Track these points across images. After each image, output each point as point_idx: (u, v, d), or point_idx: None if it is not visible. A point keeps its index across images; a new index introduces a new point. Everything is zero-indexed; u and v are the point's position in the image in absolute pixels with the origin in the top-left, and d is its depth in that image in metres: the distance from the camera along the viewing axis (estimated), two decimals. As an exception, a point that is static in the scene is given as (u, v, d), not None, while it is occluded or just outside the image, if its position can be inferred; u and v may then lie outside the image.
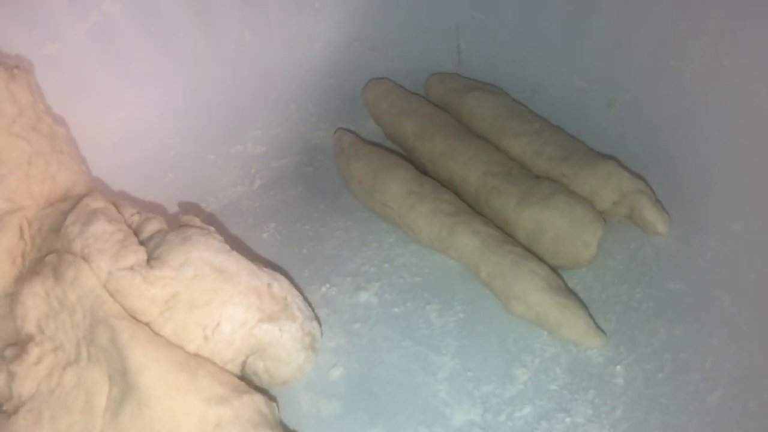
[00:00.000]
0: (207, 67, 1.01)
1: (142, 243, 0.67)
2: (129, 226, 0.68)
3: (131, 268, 0.62)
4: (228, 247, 0.70)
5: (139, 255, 0.64)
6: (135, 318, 0.62)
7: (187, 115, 1.00)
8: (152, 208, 0.88)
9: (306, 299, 0.76)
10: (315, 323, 0.74)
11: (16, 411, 0.60)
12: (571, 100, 0.95)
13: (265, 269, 0.72)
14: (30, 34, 0.86)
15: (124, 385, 0.59)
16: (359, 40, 1.07)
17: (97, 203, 0.67)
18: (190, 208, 0.91)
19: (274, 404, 0.66)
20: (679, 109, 0.83)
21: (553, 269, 0.78)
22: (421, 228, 0.83)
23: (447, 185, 0.87)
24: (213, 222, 0.85)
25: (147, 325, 0.62)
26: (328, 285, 0.82)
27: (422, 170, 0.89)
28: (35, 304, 0.61)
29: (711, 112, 0.79)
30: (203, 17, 0.99)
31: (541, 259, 0.79)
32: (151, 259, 0.65)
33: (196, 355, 0.64)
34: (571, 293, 0.76)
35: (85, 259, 0.62)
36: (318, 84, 1.06)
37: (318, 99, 1.06)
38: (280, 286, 0.71)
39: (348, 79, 1.05)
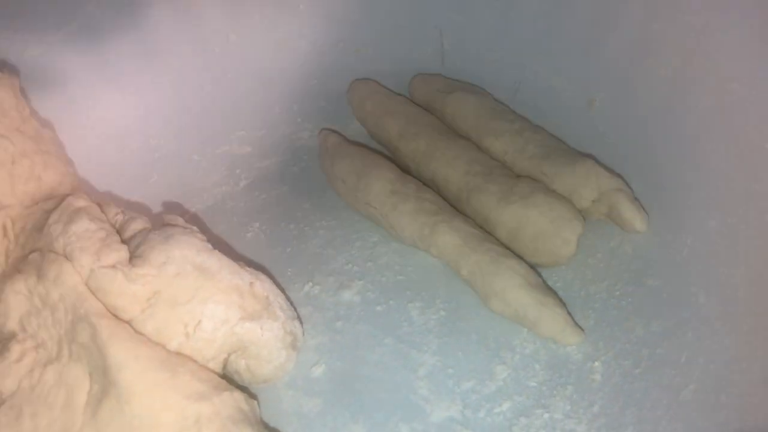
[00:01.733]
0: (192, 69, 1.02)
1: (125, 242, 0.67)
2: (112, 226, 0.69)
3: (113, 266, 0.63)
4: (210, 246, 0.70)
5: (121, 253, 0.65)
6: (116, 316, 0.63)
7: (171, 116, 1.01)
8: (137, 208, 0.89)
9: (288, 298, 0.77)
10: (297, 322, 0.74)
11: (-3, 408, 0.60)
12: (551, 100, 0.96)
13: (247, 268, 0.72)
14: (14, 37, 0.86)
15: (104, 381, 0.60)
16: (344, 41, 1.08)
17: (80, 202, 0.68)
18: (174, 207, 0.92)
19: (255, 402, 0.66)
20: (655, 107, 0.84)
21: (533, 267, 0.79)
22: (403, 227, 0.83)
23: (429, 185, 0.88)
24: (196, 222, 0.86)
25: (128, 322, 0.63)
26: (311, 283, 0.83)
27: (405, 170, 0.90)
28: (18, 302, 0.62)
29: (687, 110, 0.80)
30: (188, 19, 1.00)
31: (521, 256, 0.80)
32: (133, 258, 0.65)
33: (178, 353, 0.64)
34: (550, 290, 0.77)
35: (68, 257, 0.63)
36: (303, 85, 1.07)
37: (303, 100, 1.07)
38: (262, 286, 0.72)
39: (332, 80, 1.06)
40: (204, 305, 0.65)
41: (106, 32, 0.94)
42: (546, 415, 0.70)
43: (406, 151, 0.92)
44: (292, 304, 0.77)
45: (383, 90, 1.00)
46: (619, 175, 0.83)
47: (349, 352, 0.76)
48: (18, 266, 0.64)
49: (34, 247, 0.66)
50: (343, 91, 1.03)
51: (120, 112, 0.97)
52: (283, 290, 0.77)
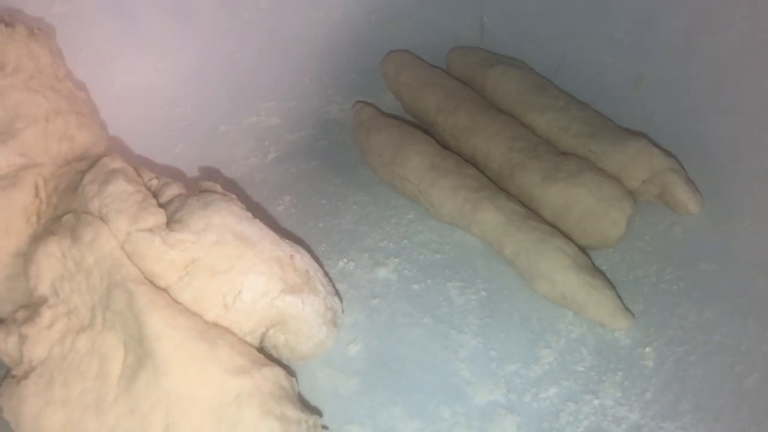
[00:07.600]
0: (220, 36, 0.99)
1: (161, 206, 0.64)
2: (148, 190, 0.65)
3: (150, 230, 0.60)
4: (250, 215, 0.67)
5: (158, 217, 0.61)
6: (153, 283, 0.59)
7: (198, 84, 0.97)
8: (169, 174, 0.85)
9: (326, 273, 0.74)
10: (336, 298, 0.71)
11: (26, 376, 0.57)
12: (597, 77, 0.92)
13: (286, 240, 0.69)
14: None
15: (140, 352, 0.56)
16: (378, 11, 1.04)
17: (115, 163, 0.64)
18: (210, 173, 0.89)
19: (294, 378, 0.63)
20: (711, 86, 0.81)
21: (581, 248, 0.76)
22: (443, 203, 0.80)
23: (469, 161, 0.85)
24: (232, 189, 0.83)
25: (165, 290, 0.60)
26: (345, 260, 0.80)
27: (444, 145, 0.87)
28: (50, 265, 0.59)
29: (744, 89, 0.77)
30: (219, -17, 0.96)
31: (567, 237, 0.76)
32: (171, 223, 0.62)
33: (215, 325, 0.61)
34: (599, 272, 0.74)
35: (103, 219, 0.60)
36: (334, 56, 1.04)
37: (334, 72, 1.03)
38: (302, 259, 0.69)
39: (365, 51, 1.03)
40: (244, 275, 0.62)
41: (134, -6, 0.90)
42: (596, 401, 0.67)
43: (445, 126, 0.88)
44: (330, 279, 0.74)
45: (420, 62, 0.97)
46: (672, 155, 0.80)
47: (387, 331, 0.73)
48: (50, 228, 0.61)
49: (67, 209, 0.62)
50: (375, 64, 1.00)
51: (145, 77, 0.93)
52: (321, 265, 0.74)
